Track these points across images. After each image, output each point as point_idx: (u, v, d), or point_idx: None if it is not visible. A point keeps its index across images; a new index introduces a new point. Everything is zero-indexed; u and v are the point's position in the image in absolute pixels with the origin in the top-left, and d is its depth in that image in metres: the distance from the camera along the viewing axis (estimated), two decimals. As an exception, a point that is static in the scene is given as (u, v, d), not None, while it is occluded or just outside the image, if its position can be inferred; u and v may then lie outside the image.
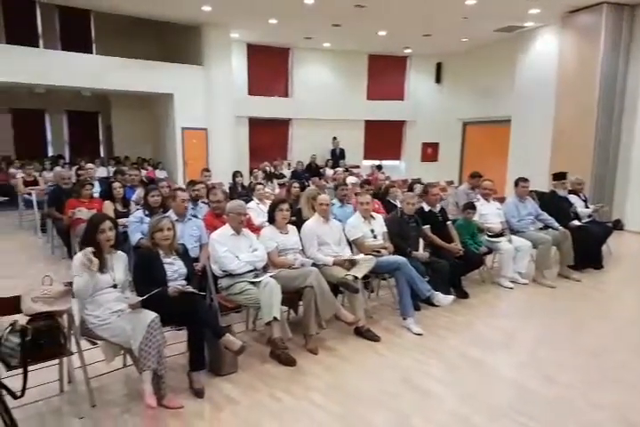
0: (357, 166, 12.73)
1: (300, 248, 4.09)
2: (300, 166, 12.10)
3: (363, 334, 3.88)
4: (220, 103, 11.92)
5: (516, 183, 5.89)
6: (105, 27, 12.02)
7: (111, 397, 3.06)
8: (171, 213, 4.31)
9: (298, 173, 11.57)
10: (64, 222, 6.16)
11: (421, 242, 4.59)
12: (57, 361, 2.93)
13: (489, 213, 5.52)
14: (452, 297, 4.22)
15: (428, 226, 4.79)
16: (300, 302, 3.85)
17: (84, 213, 5.85)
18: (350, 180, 8.38)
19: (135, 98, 12.82)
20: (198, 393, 3.02)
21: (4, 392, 2.15)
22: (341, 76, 14.36)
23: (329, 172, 12.18)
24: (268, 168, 10.63)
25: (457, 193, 6.55)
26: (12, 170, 10.95)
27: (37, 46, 11.24)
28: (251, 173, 8.94)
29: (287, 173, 11.99)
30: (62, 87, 10.94)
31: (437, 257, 4.57)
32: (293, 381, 3.23)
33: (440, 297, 4.10)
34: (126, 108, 13.45)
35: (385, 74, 14.74)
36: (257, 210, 5.68)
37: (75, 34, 12.01)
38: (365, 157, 14.88)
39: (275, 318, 3.36)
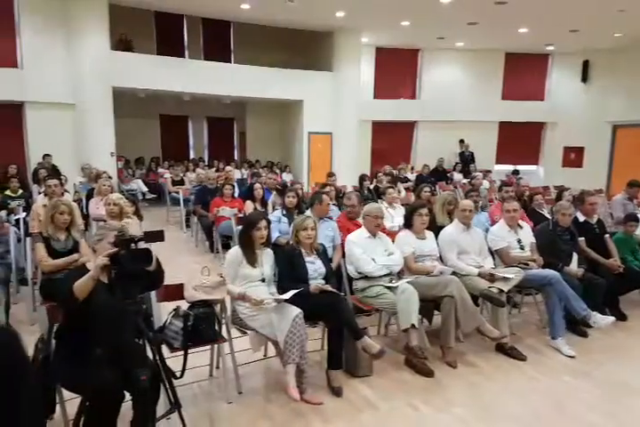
0: (489, 171, 12.07)
1: (438, 255, 3.94)
2: (427, 170, 11.78)
3: (506, 351, 3.61)
4: (345, 108, 12.17)
5: (690, 194, 5.08)
6: (242, 36, 12.89)
7: (254, 385, 3.22)
8: (309, 214, 4.43)
9: (423, 176, 11.27)
10: (209, 219, 6.67)
11: (575, 256, 4.15)
12: (208, 347, 3.15)
13: (654, 228, 4.82)
14: (611, 318, 3.74)
15: (582, 239, 4.33)
16: (436, 312, 3.71)
17: (226, 211, 6.32)
18: (484, 184, 7.95)
19: (268, 104, 13.60)
20: (337, 392, 3.05)
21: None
22: (474, 75, 13.77)
23: (457, 176, 11.70)
24: (393, 171, 10.52)
25: (612, 203, 5.85)
26: (160, 170, 12.16)
27: (183, 57, 12.43)
28: (375, 176, 8.92)
29: (411, 176, 11.77)
30: (204, 95, 11.92)
31: (593, 273, 4.10)
32: (432, 392, 3.11)
33: (598, 318, 3.66)
34: (259, 114, 14.30)
35: (523, 73, 13.84)
36: (386, 214, 5.61)
37: (216, 44, 13.05)
38: (498, 162, 14.09)
39: (413, 326, 3.27)
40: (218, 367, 3.28)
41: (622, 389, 3.18)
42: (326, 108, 12.13)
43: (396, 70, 13.71)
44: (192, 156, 15.10)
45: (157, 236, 2.59)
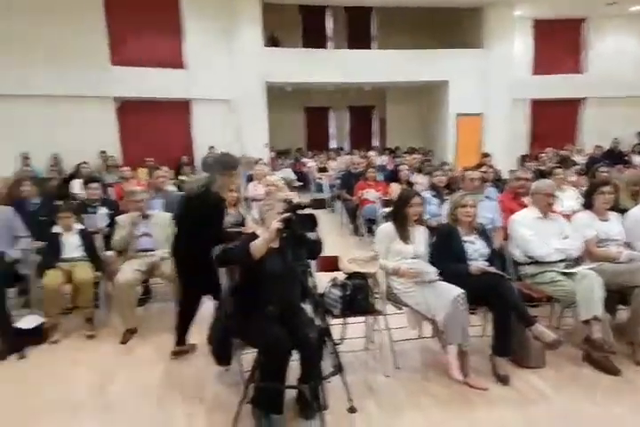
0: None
1: (625, 240, 3.41)
2: (599, 151, 10.36)
3: None
4: (497, 86, 11.46)
5: None
6: (384, 21, 12.78)
7: (411, 363, 3.16)
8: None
9: (596, 159, 9.91)
10: (353, 203, 6.76)
11: None
12: (363, 319, 3.17)
13: None
14: None
15: None
16: (620, 305, 3.23)
17: (371, 194, 6.33)
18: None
19: (409, 89, 13.33)
20: (503, 379, 2.84)
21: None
22: (654, 43, 11.85)
23: (636, 159, 10.12)
24: (563, 153, 9.50)
25: None
26: (304, 159, 12.68)
27: (326, 47, 12.75)
28: (536, 158, 8.17)
29: (578, 159, 10.45)
30: (347, 84, 12.08)
31: None
32: (619, 391, 2.72)
33: None
34: (400, 99, 14.08)
35: None
36: (554, 197, 5.04)
37: (358, 32, 13.13)
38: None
39: (595, 317, 2.87)
40: (372, 342, 3.27)
41: None
42: (475, 88, 11.52)
43: (558, 43, 12.42)
44: (333, 145, 15.47)
45: (321, 203, 2.70)
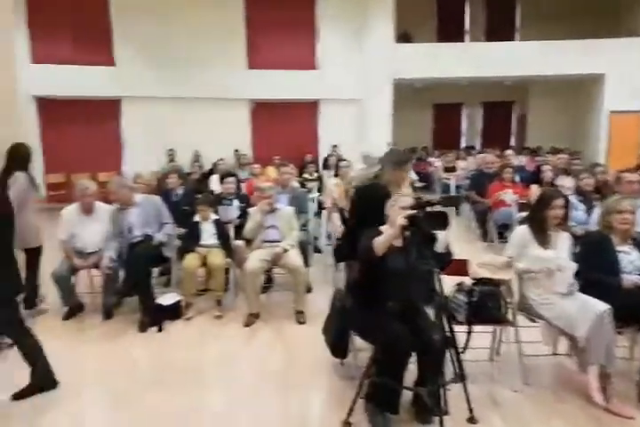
0: None
1: None
2: None
3: None
4: None
5: None
6: (530, 10, 11.91)
7: (542, 380, 2.89)
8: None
9: None
10: (484, 205, 6.31)
11: None
12: (490, 329, 2.94)
13: None
14: None
15: None
16: None
17: (508, 196, 5.82)
18: None
19: (556, 83, 12.18)
20: (654, 410, 2.43)
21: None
22: None
23: None
24: None
25: None
26: (430, 159, 12.24)
27: (463, 41, 12.19)
28: None
29: None
30: (484, 78, 11.39)
31: None
32: None
33: None
34: (545, 95, 12.91)
35: None
36: None
37: (499, 23, 12.37)
38: None
39: None
40: (498, 354, 3.04)
41: None
42: (637, 82, 10.13)
43: None
44: (463, 143, 14.73)
45: (453, 201, 2.56)
